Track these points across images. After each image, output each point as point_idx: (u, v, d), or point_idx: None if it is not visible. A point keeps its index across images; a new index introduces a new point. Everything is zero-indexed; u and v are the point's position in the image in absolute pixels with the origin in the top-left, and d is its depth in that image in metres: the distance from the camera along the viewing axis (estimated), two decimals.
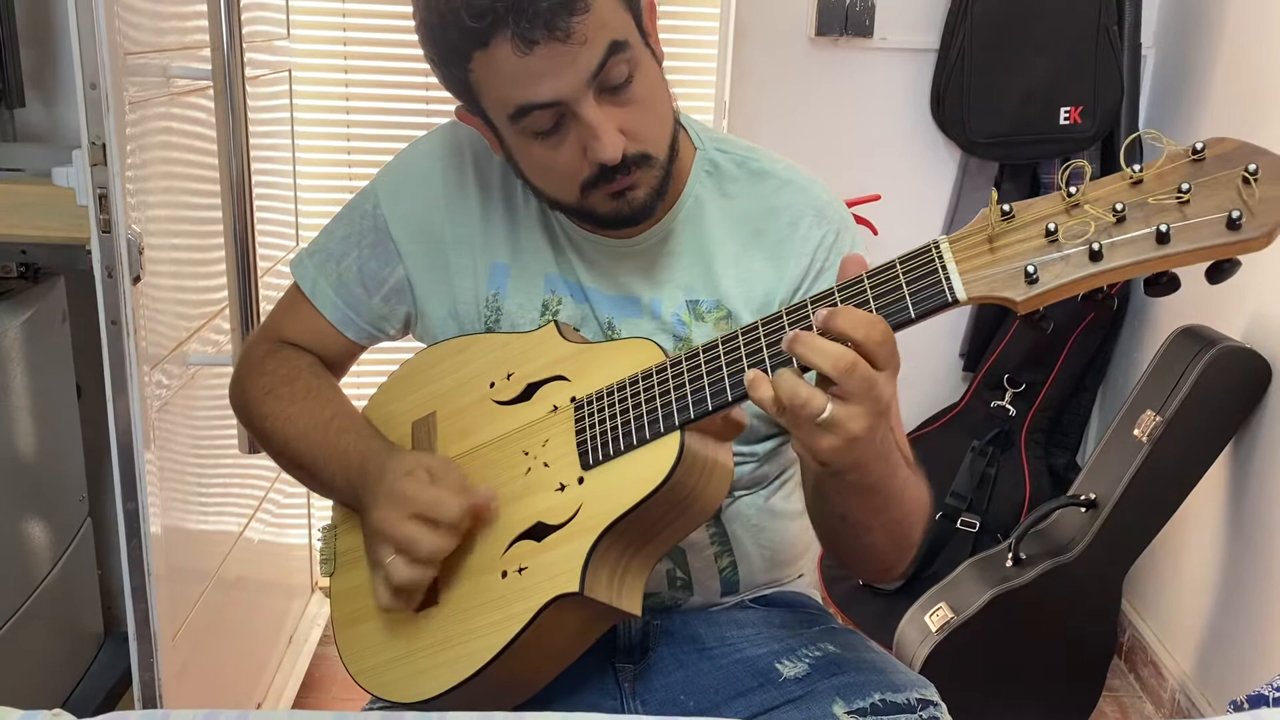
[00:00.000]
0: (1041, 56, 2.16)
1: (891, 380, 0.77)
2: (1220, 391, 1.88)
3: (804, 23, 2.22)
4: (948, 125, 2.26)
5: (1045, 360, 2.31)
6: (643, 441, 0.87)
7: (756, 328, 0.84)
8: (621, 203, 0.96)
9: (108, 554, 1.93)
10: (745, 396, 0.83)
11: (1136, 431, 1.95)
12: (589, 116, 0.90)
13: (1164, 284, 0.72)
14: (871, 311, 0.78)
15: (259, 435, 1.10)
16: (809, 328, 0.80)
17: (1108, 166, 2.25)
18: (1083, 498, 1.98)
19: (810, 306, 0.81)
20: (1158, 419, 1.91)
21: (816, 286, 1.04)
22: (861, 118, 2.29)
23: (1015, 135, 2.21)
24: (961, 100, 2.20)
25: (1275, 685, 1.23)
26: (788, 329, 0.82)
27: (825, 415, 0.76)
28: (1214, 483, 1.98)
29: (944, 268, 0.76)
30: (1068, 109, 2.18)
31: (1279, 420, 1.84)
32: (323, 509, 2.28)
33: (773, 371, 0.82)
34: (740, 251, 1.05)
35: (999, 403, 2.33)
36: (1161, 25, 2.27)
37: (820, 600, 1.19)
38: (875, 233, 2.18)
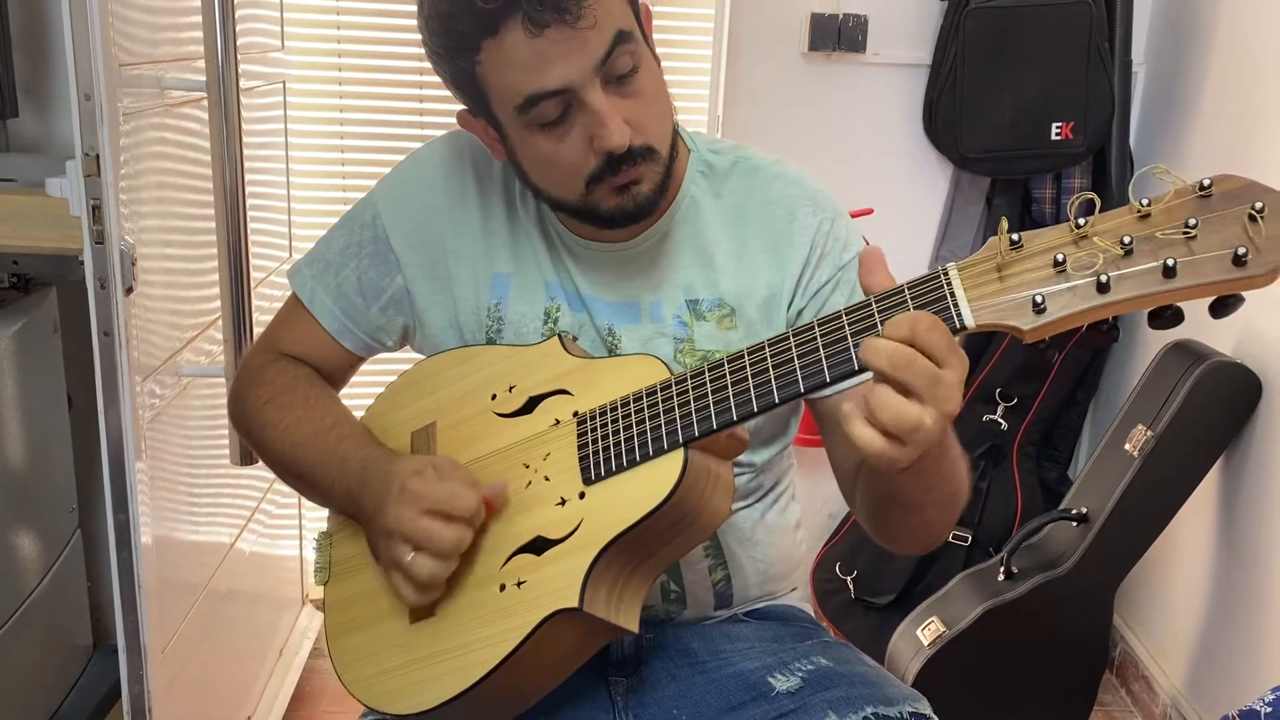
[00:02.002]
0: (1033, 72, 2.17)
1: (957, 387, 0.75)
2: (1211, 406, 1.89)
3: (797, 38, 2.24)
4: (940, 140, 2.27)
5: (1037, 374, 2.32)
6: (646, 458, 0.87)
7: (763, 347, 0.84)
8: (625, 198, 0.97)
9: (97, 565, 1.92)
10: (751, 414, 0.84)
11: (1128, 446, 1.96)
12: (596, 104, 0.91)
13: (1168, 317, 0.72)
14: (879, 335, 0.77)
15: (258, 446, 1.10)
16: (814, 348, 0.80)
17: (1099, 182, 2.26)
18: (1074, 512, 1.99)
19: (817, 328, 0.81)
20: (1149, 433, 1.92)
21: (818, 273, 1.05)
22: (854, 132, 2.30)
23: (1007, 150, 2.22)
24: (953, 115, 2.22)
25: (1267, 700, 1.23)
26: (794, 349, 0.82)
27: (923, 431, 0.74)
28: (1205, 497, 1.99)
29: (952, 294, 0.76)
30: (1059, 124, 2.19)
31: (1269, 435, 1.85)
32: (314, 521, 2.27)
33: (779, 391, 0.82)
34: (739, 248, 1.05)
35: (991, 416, 2.33)
36: (1151, 42, 2.29)
37: (813, 614, 1.19)
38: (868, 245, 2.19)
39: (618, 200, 0.97)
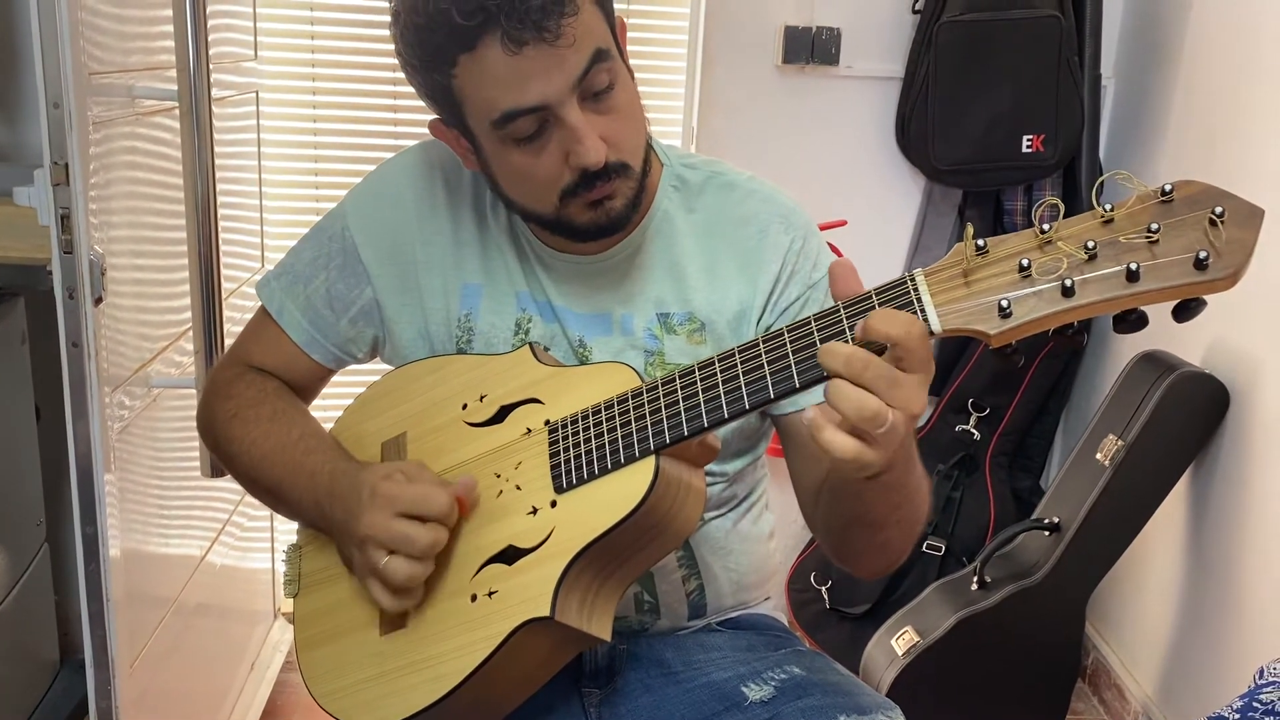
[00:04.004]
0: (1004, 86, 2.19)
1: (922, 388, 0.76)
2: (1180, 416, 1.91)
3: (770, 50, 2.25)
4: (912, 152, 2.29)
5: (1009, 385, 2.33)
6: (617, 465, 0.87)
7: (733, 354, 0.84)
8: (599, 212, 0.97)
9: (65, 579, 1.90)
10: (722, 421, 0.84)
11: (1099, 455, 1.97)
12: (573, 121, 0.91)
13: (1133, 321, 0.73)
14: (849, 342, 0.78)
15: (226, 459, 1.09)
16: (784, 354, 0.81)
17: (1070, 194, 2.29)
18: (1046, 521, 2.00)
19: (786, 335, 0.81)
20: (1120, 443, 1.94)
21: (788, 291, 1.05)
22: (827, 145, 2.32)
23: (978, 163, 2.24)
24: (926, 128, 2.23)
25: (1235, 707, 1.24)
26: (764, 356, 0.82)
27: (887, 425, 0.74)
28: (1175, 506, 2.01)
29: (919, 300, 0.77)
30: (1030, 137, 2.21)
31: (1237, 444, 1.87)
32: (286, 534, 2.25)
33: (750, 397, 0.82)
34: (711, 263, 1.06)
35: (963, 427, 2.35)
36: (1121, 56, 2.31)
37: (786, 623, 1.19)
38: (841, 257, 2.20)
39: (591, 215, 0.97)
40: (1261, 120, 1.85)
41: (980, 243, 0.76)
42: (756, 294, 1.05)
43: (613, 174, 0.95)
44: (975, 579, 2.01)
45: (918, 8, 2.23)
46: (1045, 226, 0.74)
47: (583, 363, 1.05)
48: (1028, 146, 2.22)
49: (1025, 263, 0.74)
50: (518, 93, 0.90)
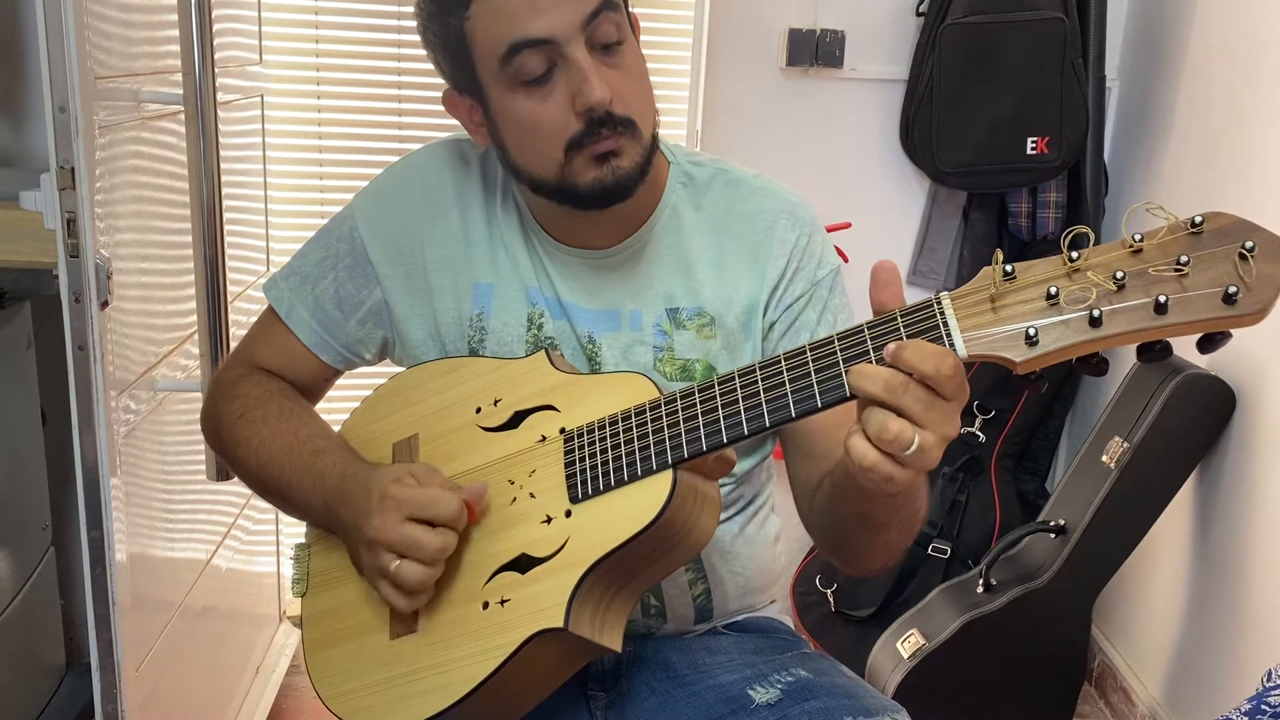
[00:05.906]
0: (1008, 87, 2.19)
1: (955, 413, 0.76)
2: (1186, 418, 1.90)
3: (775, 53, 2.25)
4: (917, 154, 2.29)
5: (1014, 387, 2.33)
6: (634, 478, 0.87)
7: (754, 370, 0.84)
8: (604, 170, 0.96)
9: (71, 583, 1.90)
10: (741, 437, 0.83)
11: (1105, 458, 1.97)
12: (579, 59, 0.92)
13: (1158, 351, 0.73)
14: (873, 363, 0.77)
15: (232, 461, 1.09)
16: (806, 373, 0.80)
17: (1074, 196, 2.28)
18: (1052, 524, 2.00)
19: (809, 353, 0.81)
20: (1125, 445, 1.93)
21: (792, 287, 1.05)
22: (832, 147, 2.32)
23: (983, 165, 2.24)
24: (930, 130, 2.23)
25: (1243, 710, 1.24)
26: (786, 374, 0.82)
27: (913, 448, 0.74)
28: (1181, 508, 2.00)
29: (945, 324, 0.76)
30: (1034, 139, 2.21)
31: (1243, 446, 1.87)
32: (291, 536, 2.25)
33: (770, 415, 0.82)
34: (719, 258, 1.06)
35: (968, 429, 2.34)
36: (1125, 58, 2.31)
37: (792, 626, 1.19)
38: (846, 260, 2.20)
39: (596, 173, 0.96)
40: (1265, 122, 1.84)
41: (1008, 268, 0.75)
42: (763, 289, 1.05)
43: (619, 125, 0.95)
44: (981, 582, 2.00)
45: (922, 10, 2.23)
46: (1074, 254, 0.73)
47: (591, 359, 1.05)
48: (1032, 148, 2.21)
49: (1053, 290, 0.73)
50: (526, 23, 0.91)
